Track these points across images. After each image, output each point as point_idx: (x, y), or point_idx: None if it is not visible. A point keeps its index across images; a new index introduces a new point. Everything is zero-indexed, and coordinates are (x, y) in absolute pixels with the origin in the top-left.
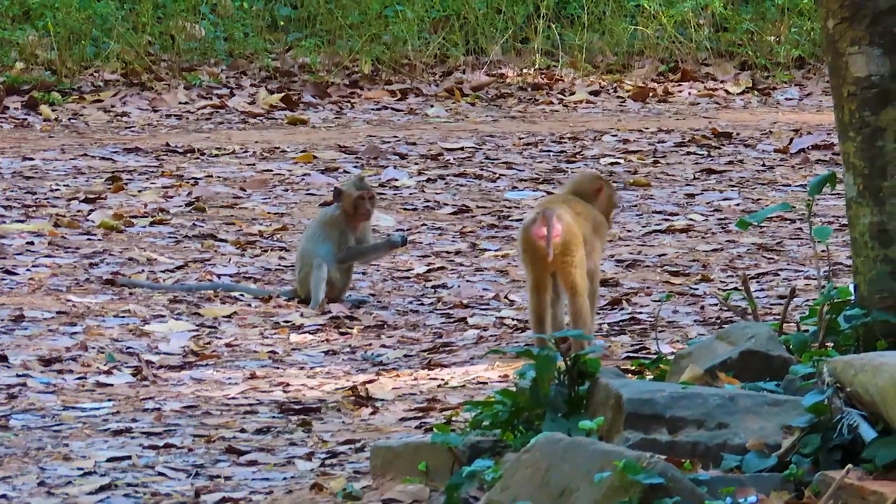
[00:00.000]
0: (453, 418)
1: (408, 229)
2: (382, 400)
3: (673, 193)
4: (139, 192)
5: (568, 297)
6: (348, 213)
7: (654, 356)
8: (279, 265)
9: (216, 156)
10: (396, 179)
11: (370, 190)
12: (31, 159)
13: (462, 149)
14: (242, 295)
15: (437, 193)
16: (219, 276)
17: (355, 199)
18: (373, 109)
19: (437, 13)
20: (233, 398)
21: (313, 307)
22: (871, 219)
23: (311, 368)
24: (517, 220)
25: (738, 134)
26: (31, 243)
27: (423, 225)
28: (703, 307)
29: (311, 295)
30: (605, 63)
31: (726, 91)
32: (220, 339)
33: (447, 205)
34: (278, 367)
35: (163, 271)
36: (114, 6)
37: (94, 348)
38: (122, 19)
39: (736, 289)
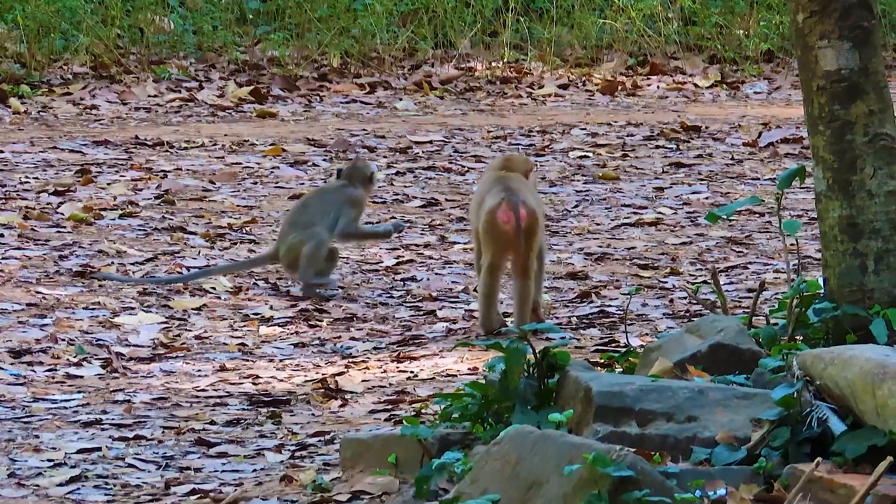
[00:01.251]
0: (423, 411)
1: (377, 222)
2: (352, 392)
3: (642, 187)
4: (108, 184)
5: (517, 279)
6: (368, 196)
7: (624, 349)
8: (248, 257)
9: (185, 149)
10: None
11: None
12: (1, 152)
13: (431, 142)
14: (216, 278)
15: (405, 186)
16: (188, 268)
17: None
18: (342, 103)
19: (405, 6)
20: (202, 390)
21: (303, 278)
22: (841, 212)
23: (281, 361)
24: None
25: (707, 127)
26: (1, 235)
27: (392, 218)
28: (672, 300)
29: (299, 263)
30: (574, 57)
31: (695, 85)
32: (190, 331)
33: (416, 198)
34: (248, 360)
35: (132, 264)
36: None
37: (63, 340)
38: (91, 12)
39: (705, 282)
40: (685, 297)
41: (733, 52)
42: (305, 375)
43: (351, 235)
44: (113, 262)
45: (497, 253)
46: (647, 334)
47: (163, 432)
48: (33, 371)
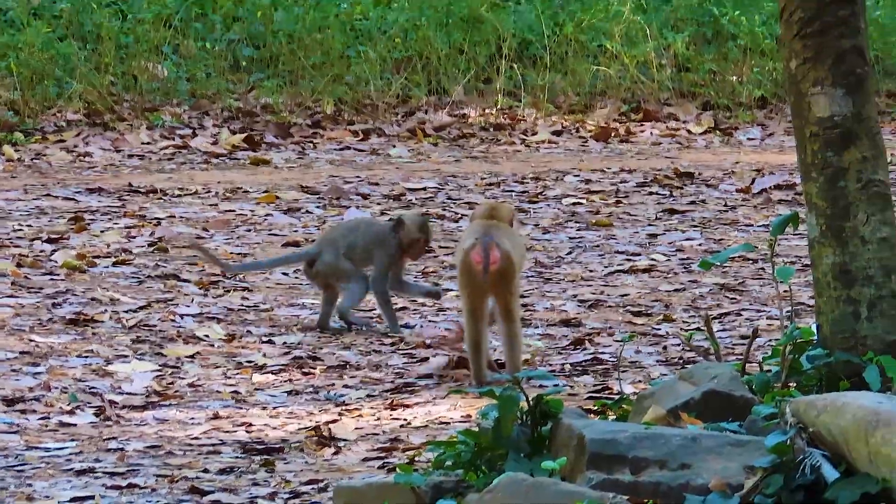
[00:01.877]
0: (416, 458)
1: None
2: (345, 440)
3: (635, 234)
4: (102, 232)
5: (503, 324)
6: (400, 246)
7: (617, 396)
8: (242, 305)
9: (179, 196)
10: None
11: (430, 237)
12: None
13: (424, 189)
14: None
15: None
16: (181, 315)
17: (413, 240)
18: (335, 150)
19: (399, 54)
20: (196, 438)
21: (343, 317)
22: (834, 259)
23: (274, 408)
24: None
25: (700, 174)
26: None
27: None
28: (665, 347)
29: (344, 286)
30: (568, 103)
31: (688, 131)
32: (184, 379)
33: None
34: (241, 407)
35: (126, 311)
36: (76, 46)
37: (57, 388)
38: (85, 60)
39: (698, 329)
40: (678, 344)
41: (727, 98)
42: (299, 423)
43: (389, 290)
44: (106, 310)
45: (472, 295)
46: (640, 381)
47: (156, 480)
48: (26, 419)
